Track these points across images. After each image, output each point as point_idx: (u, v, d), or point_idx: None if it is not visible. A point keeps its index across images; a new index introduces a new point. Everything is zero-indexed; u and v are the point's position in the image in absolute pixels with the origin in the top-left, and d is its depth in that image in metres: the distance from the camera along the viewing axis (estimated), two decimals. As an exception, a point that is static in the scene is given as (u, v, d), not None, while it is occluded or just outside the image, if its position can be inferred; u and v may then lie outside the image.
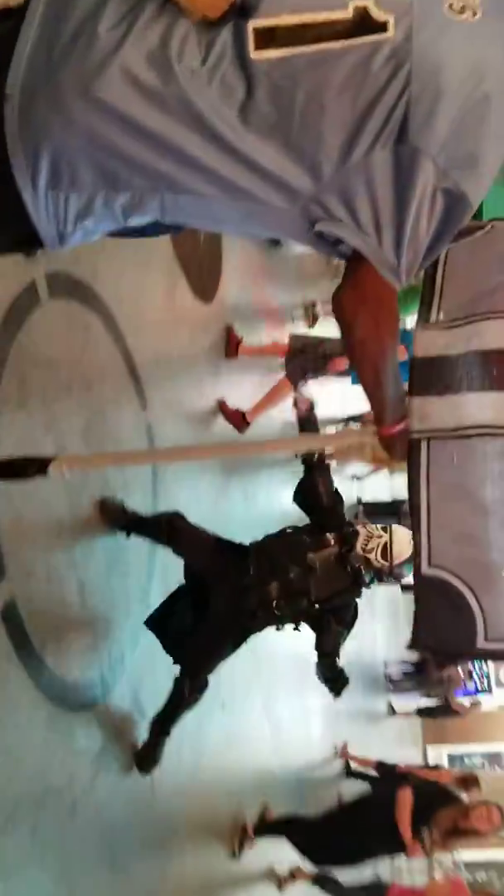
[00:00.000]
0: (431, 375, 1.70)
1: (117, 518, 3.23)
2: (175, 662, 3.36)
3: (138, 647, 3.41)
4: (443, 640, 1.71)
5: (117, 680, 3.25)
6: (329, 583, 3.25)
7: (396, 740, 11.69)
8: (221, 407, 5.20)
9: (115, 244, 3.17)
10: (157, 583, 3.62)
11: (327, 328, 6.95)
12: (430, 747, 13.14)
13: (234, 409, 5.24)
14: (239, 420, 5.24)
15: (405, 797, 4.74)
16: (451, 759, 12.88)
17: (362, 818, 4.93)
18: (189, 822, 3.96)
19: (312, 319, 7.88)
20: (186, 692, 3.30)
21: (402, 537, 3.32)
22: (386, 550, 3.30)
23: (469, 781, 6.20)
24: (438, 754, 12.87)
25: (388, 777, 6.54)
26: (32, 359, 2.75)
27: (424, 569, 1.67)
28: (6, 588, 2.51)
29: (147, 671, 3.51)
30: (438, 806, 4.78)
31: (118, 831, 3.14)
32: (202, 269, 4.89)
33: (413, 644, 1.72)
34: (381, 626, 10.83)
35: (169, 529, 3.28)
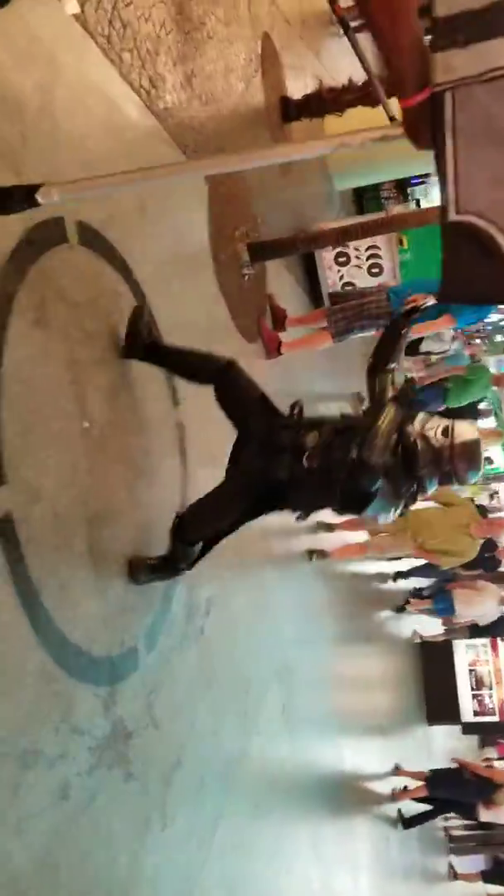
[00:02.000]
0: (455, 29, 1.58)
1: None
2: None
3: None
4: (473, 288, 1.69)
5: (133, 666, 2.86)
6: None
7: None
8: (272, 307, 5.47)
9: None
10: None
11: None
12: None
13: (274, 334, 5.38)
14: (274, 345, 5.35)
15: None
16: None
17: None
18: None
19: None
20: (178, 551, 3.02)
21: (465, 425, 3.00)
22: (447, 430, 2.93)
23: None
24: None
25: None
26: (52, 285, 2.64)
27: (452, 216, 1.63)
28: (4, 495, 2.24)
29: (166, 675, 3.10)
30: None
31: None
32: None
33: (443, 293, 1.73)
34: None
35: (228, 369, 3.04)
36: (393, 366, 2.96)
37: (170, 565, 3.04)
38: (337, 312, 5.72)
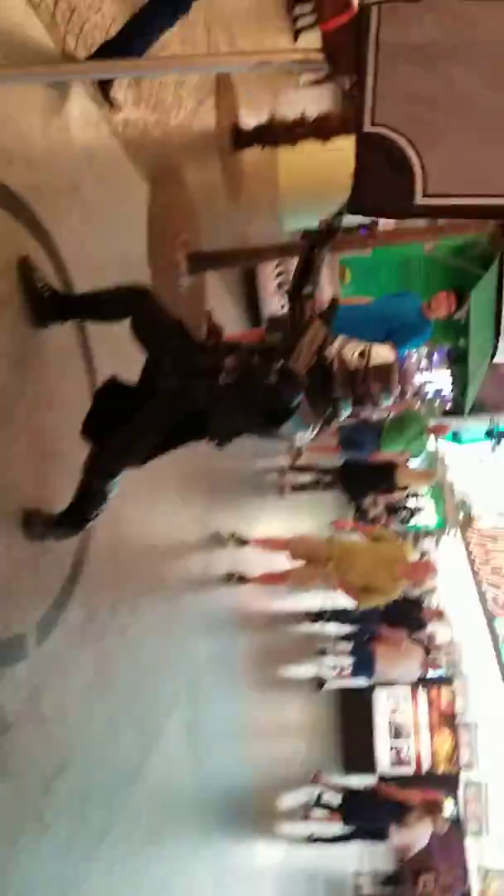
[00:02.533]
0: None
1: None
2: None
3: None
4: (382, 198, 1.72)
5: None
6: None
7: None
8: (209, 323, 5.37)
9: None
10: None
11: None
12: None
13: (219, 326, 5.37)
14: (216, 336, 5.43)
15: None
16: None
17: None
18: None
19: None
20: (96, 481, 2.85)
21: (382, 349, 2.99)
22: (364, 353, 2.93)
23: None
24: None
25: None
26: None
27: (367, 127, 1.66)
28: None
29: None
30: None
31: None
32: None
33: (352, 205, 1.75)
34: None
35: (143, 296, 2.94)
36: (310, 289, 2.93)
37: (76, 513, 2.88)
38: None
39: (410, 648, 9.69)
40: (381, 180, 1.71)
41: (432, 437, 9.30)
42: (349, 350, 2.92)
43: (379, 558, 6.40)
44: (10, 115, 2.88)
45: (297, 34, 11.09)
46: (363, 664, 9.60)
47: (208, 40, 5.85)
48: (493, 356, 7.67)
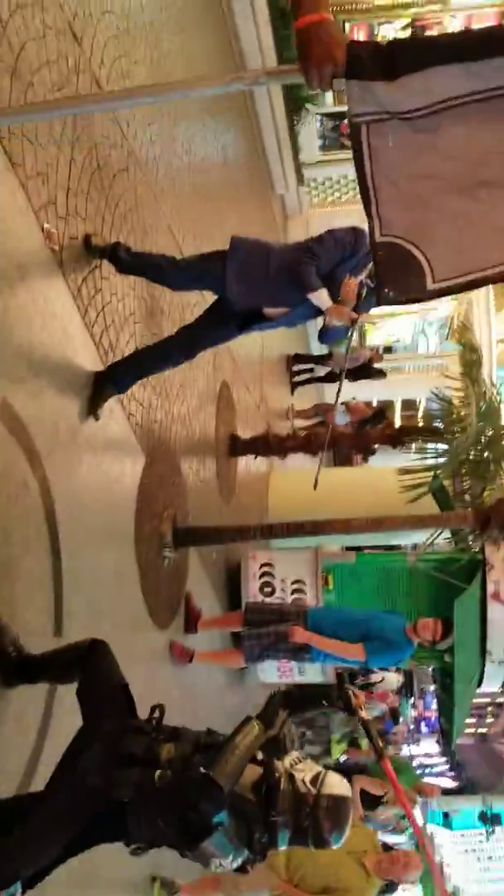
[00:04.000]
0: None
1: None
2: None
3: None
4: (401, 290, 2.07)
5: None
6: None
7: None
8: (188, 605, 5.47)
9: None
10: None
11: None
12: None
13: (197, 609, 5.52)
14: (194, 620, 5.46)
15: None
16: None
17: None
18: None
19: None
20: None
21: (337, 778, 2.58)
22: (317, 778, 2.52)
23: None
24: None
25: None
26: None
27: (378, 237, 2.02)
28: None
29: None
30: None
31: None
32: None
33: (381, 299, 2.09)
34: None
35: (92, 646, 2.64)
36: (273, 732, 2.62)
37: None
38: (253, 638, 5.60)
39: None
40: (399, 275, 2.04)
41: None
42: (301, 770, 2.57)
43: (345, 848, 4.82)
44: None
45: (293, 387, 12.57)
46: None
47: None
48: (479, 682, 7.40)
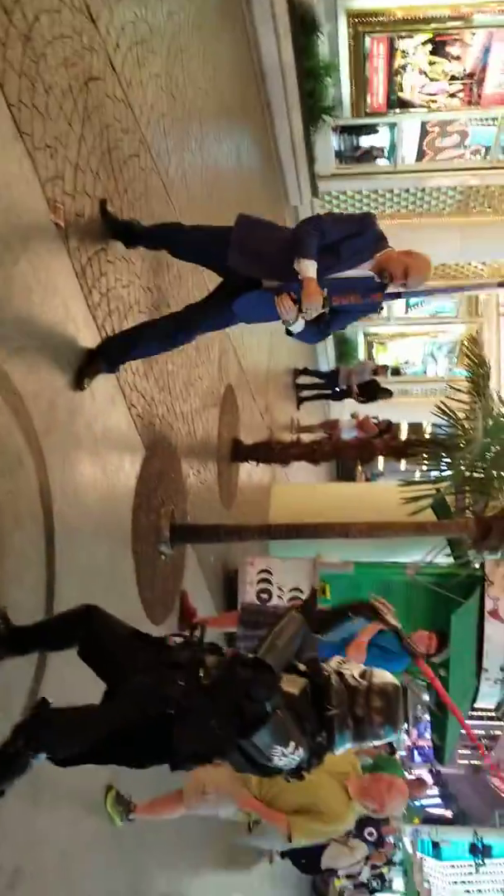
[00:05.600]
0: None
1: None
2: None
3: None
4: None
5: None
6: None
7: None
8: (184, 603, 5.31)
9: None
10: None
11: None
12: None
13: (193, 608, 5.35)
14: (189, 618, 5.29)
15: None
16: None
17: None
18: None
19: None
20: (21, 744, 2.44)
21: (384, 671, 2.68)
22: (365, 673, 2.60)
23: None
24: None
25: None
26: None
27: None
28: None
29: None
30: None
31: None
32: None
33: None
34: None
35: (88, 612, 2.71)
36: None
37: None
38: (248, 639, 5.51)
39: (358, 847, 8.05)
40: None
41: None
42: (348, 668, 2.63)
43: (326, 769, 4.41)
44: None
45: (300, 402, 12.55)
46: None
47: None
48: (474, 699, 7.26)
